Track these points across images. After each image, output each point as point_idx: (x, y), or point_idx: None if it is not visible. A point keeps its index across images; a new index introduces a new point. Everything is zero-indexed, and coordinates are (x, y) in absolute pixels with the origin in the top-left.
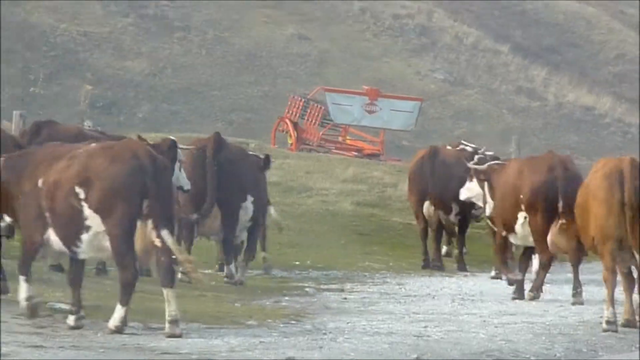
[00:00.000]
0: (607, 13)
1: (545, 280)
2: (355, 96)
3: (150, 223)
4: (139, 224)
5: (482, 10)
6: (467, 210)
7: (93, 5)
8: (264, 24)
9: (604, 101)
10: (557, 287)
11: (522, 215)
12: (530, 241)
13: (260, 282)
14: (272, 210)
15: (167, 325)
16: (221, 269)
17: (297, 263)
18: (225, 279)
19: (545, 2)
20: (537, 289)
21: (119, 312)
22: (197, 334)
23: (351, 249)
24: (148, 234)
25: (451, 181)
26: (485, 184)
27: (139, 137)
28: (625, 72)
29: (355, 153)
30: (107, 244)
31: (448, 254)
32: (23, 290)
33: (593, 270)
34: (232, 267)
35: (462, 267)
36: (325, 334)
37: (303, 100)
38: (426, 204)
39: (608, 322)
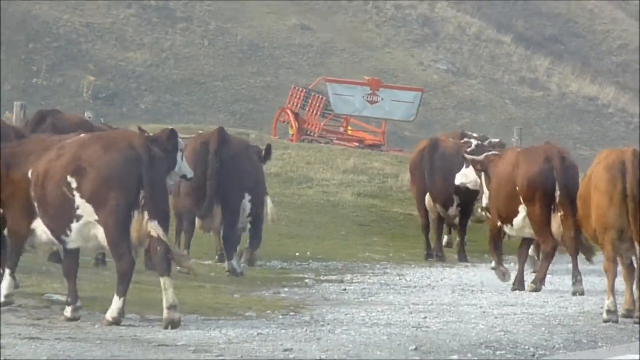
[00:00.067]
0: (609, 3)
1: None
2: (356, 86)
3: (146, 214)
4: (135, 214)
5: (484, 0)
6: (469, 201)
7: None
8: (267, 15)
9: (607, 91)
10: (558, 277)
11: (522, 208)
12: (526, 232)
13: (260, 273)
14: (268, 200)
15: (165, 311)
16: (220, 260)
17: (297, 254)
18: (228, 273)
19: None
20: (540, 280)
21: (116, 303)
22: (194, 326)
23: (351, 239)
24: (144, 225)
25: (451, 174)
26: (482, 174)
27: (139, 128)
28: (628, 61)
29: (357, 144)
30: (96, 233)
31: (449, 244)
32: (4, 286)
33: (594, 261)
34: (234, 262)
35: (462, 257)
36: (323, 325)
37: (304, 90)
38: (427, 196)
39: (608, 312)
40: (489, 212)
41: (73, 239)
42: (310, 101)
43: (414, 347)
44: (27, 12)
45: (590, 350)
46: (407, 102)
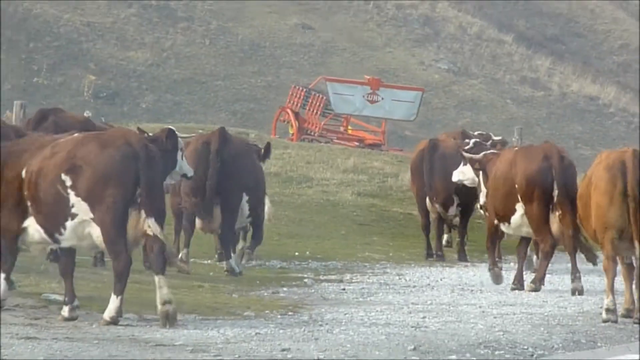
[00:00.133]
0: (611, 3)
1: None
2: (356, 86)
3: (143, 212)
4: (132, 212)
5: (485, 0)
6: (470, 201)
7: None
8: (268, 14)
9: (608, 91)
10: (558, 277)
11: (520, 207)
12: (523, 231)
13: (259, 273)
14: (266, 200)
15: (159, 307)
16: (220, 260)
17: (297, 254)
18: (226, 273)
19: None
20: (539, 280)
21: (113, 302)
22: (192, 325)
23: (351, 239)
24: (141, 223)
25: (451, 175)
26: (481, 173)
27: (139, 129)
28: (629, 61)
29: (357, 143)
30: (91, 231)
31: (449, 243)
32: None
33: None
34: (232, 261)
35: (462, 257)
36: (322, 325)
37: (304, 90)
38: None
39: (608, 311)
40: (487, 211)
41: (67, 238)
42: (310, 100)
43: (412, 347)
44: (27, 12)
45: (589, 350)
46: (407, 102)
